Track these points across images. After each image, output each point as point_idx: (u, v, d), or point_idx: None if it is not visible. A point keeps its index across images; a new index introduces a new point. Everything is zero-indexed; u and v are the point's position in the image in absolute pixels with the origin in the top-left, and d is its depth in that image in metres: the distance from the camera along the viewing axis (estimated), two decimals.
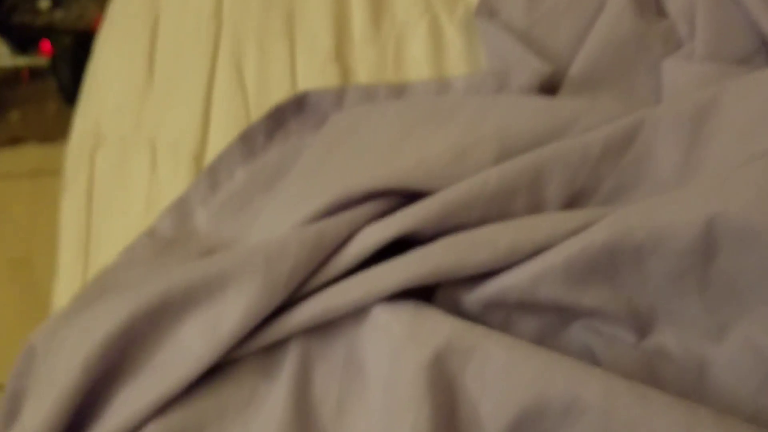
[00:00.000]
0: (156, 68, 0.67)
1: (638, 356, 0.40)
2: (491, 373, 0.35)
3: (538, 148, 0.44)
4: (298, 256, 0.40)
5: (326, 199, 0.44)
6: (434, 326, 0.38)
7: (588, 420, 0.33)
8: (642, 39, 0.56)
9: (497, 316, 0.42)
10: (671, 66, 0.54)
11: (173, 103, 0.63)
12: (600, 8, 0.60)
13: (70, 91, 1.17)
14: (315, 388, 0.40)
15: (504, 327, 0.41)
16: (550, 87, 0.55)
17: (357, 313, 0.41)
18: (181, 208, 0.54)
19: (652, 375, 0.39)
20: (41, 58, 1.26)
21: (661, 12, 0.60)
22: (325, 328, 0.41)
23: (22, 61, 1.27)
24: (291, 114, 0.58)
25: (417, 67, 0.63)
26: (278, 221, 0.46)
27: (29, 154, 1.22)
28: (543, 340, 0.41)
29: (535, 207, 0.43)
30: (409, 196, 0.45)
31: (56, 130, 1.21)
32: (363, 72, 0.63)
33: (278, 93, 0.62)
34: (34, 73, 1.30)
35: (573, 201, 0.44)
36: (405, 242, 0.43)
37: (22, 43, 1.27)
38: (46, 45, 1.25)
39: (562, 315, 0.41)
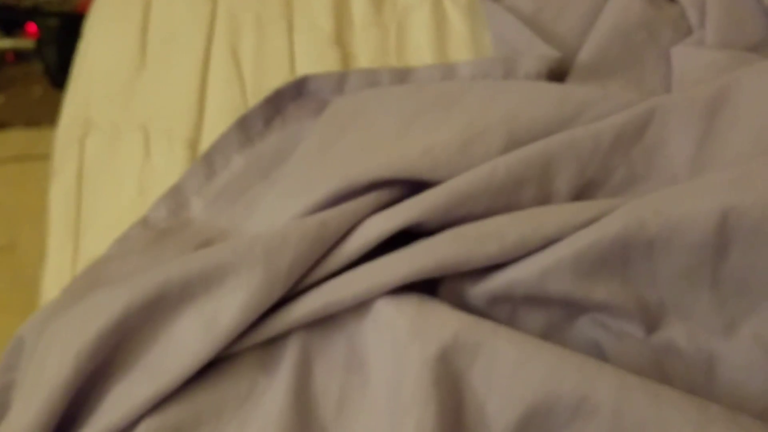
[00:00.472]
0: (148, 52, 0.66)
1: (646, 351, 0.39)
2: (499, 370, 0.35)
3: (548, 137, 0.43)
4: (298, 249, 0.39)
5: (328, 188, 0.43)
6: (440, 321, 0.37)
7: (598, 419, 0.33)
8: (651, 25, 0.55)
9: (503, 311, 0.41)
10: (681, 53, 0.53)
11: (167, 87, 0.62)
12: None
13: (56, 75, 1.17)
14: (315, 384, 0.39)
15: (510, 321, 0.40)
16: (558, 73, 0.54)
17: (359, 307, 0.40)
18: (175, 197, 0.52)
19: (660, 370, 0.38)
20: (27, 40, 1.24)
21: None
22: (326, 322, 0.40)
23: (7, 43, 1.25)
24: (290, 99, 0.56)
25: (419, 52, 0.62)
26: (278, 212, 0.45)
27: (14, 139, 1.20)
28: (549, 334, 0.40)
29: (544, 198, 0.42)
30: (414, 186, 0.43)
31: (42, 114, 1.20)
32: (364, 57, 0.62)
33: (276, 78, 0.60)
34: (20, 55, 1.28)
35: (583, 192, 0.43)
36: (409, 234, 0.42)
37: (7, 25, 1.25)
38: (31, 27, 1.23)
39: (570, 309, 0.40)
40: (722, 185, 0.38)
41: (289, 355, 0.40)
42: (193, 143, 0.57)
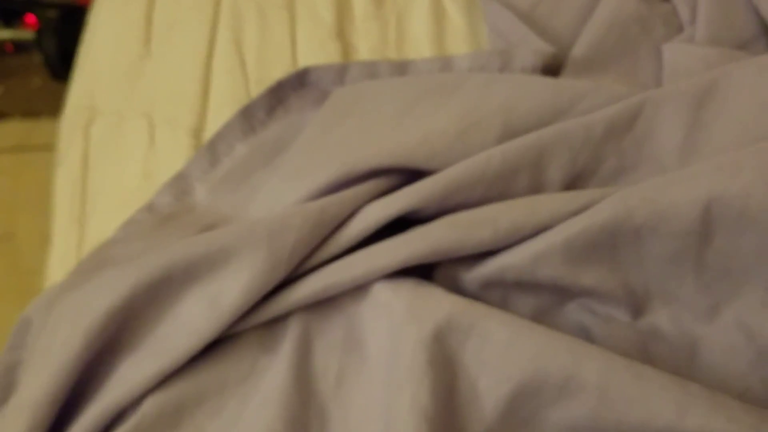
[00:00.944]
0: (153, 41, 0.66)
1: (632, 335, 0.40)
2: (491, 350, 0.36)
3: (541, 128, 0.44)
4: (300, 232, 0.40)
5: (329, 175, 0.44)
6: (435, 304, 0.38)
7: (584, 396, 0.34)
8: (644, 22, 0.56)
9: (495, 295, 0.42)
10: (672, 49, 0.54)
11: (171, 76, 0.63)
12: None
13: (55, 66, 1.16)
14: (315, 362, 0.41)
15: (501, 306, 0.41)
16: (552, 67, 0.55)
17: (357, 289, 0.41)
18: (180, 183, 0.53)
19: (645, 354, 0.40)
20: (26, 31, 1.24)
21: None
22: (325, 304, 0.42)
23: (6, 34, 1.25)
24: (292, 90, 0.57)
25: (418, 44, 0.63)
26: (279, 197, 0.46)
27: (12, 129, 1.20)
28: (539, 319, 0.42)
29: (537, 187, 0.44)
30: (411, 175, 0.45)
31: (40, 105, 1.21)
32: (364, 49, 0.63)
33: (278, 69, 0.61)
34: (19, 46, 1.27)
35: (574, 181, 0.45)
36: (407, 221, 0.43)
37: (7, 16, 1.24)
38: (30, 18, 1.23)
39: (559, 294, 0.42)
40: (707, 175, 0.39)
41: (290, 335, 0.41)
42: (197, 131, 0.58)
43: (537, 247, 0.40)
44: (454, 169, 0.42)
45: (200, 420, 0.39)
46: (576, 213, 0.40)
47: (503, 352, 0.35)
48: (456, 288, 0.42)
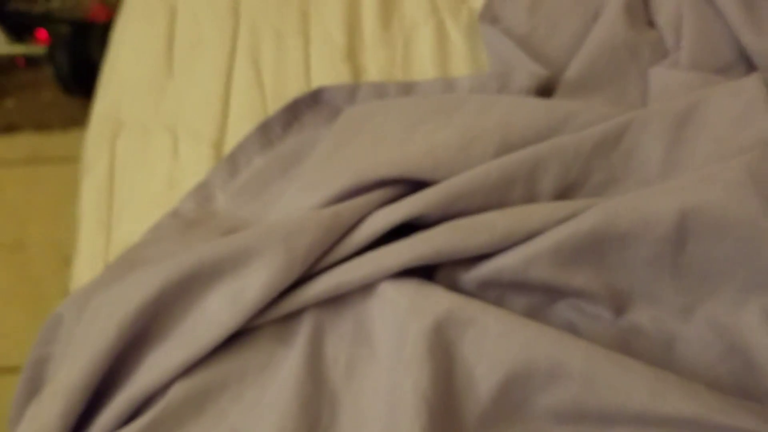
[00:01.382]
0: (175, 60, 0.71)
1: (615, 332, 0.44)
2: (485, 341, 0.40)
3: (536, 144, 0.48)
4: (315, 235, 0.44)
5: (341, 184, 0.48)
6: (435, 299, 0.42)
7: (570, 383, 0.38)
8: (633, 48, 0.61)
9: (491, 294, 0.46)
10: (658, 73, 0.58)
11: (193, 93, 0.67)
12: (594, 18, 0.64)
13: (66, 80, 1.18)
14: (326, 353, 0.44)
15: (497, 304, 0.45)
16: (546, 89, 0.59)
17: (366, 288, 0.45)
18: (202, 192, 0.57)
19: (626, 348, 0.43)
20: (37, 46, 1.26)
21: (650, 23, 0.64)
22: (336, 300, 0.45)
23: (18, 48, 1.27)
24: (306, 107, 0.62)
25: (423, 67, 0.67)
26: (296, 204, 0.50)
27: (24, 142, 1.22)
28: (531, 316, 0.45)
29: (531, 196, 0.48)
30: (416, 184, 0.49)
31: (51, 118, 1.22)
32: (373, 70, 0.67)
33: (293, 88, 0.65)
34: (30, 61, 1.29)
35: (565, 192, 0.48)
36: (412, 226, 0.47)
37: (19, 31, 1.26)
38: (42, 33, 1.25)
39: (550, 294, 0.46)
40: (684, 187, 0.43)
41: (304, 329, 0.45)
42: (218, 144, 0.62)
43: (529, 250, 0.43)
44: (456, 179, 0.46)
45: (223, 404, 0.42)
46: (565, 220, 0.44)
47: (497, 342, 0.39)
48: (455, 288, 0.45)
